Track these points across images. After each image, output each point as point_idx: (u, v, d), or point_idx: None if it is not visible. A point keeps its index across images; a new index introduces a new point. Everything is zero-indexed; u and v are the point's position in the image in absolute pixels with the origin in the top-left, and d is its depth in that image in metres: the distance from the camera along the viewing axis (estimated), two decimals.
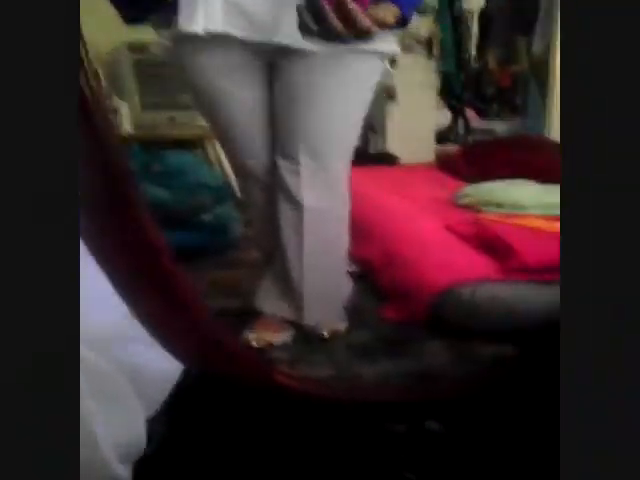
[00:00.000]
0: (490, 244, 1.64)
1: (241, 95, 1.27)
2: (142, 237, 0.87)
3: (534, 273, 1.50)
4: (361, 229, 1.90)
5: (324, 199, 1.33)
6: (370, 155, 3.57)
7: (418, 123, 3.64)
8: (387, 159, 3.57)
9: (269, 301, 1.47)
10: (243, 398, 1.01)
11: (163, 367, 0.94)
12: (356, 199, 1.44)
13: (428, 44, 3.33)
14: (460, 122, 4.04)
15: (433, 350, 1.45)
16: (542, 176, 2.30)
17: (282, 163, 1.31)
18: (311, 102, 1.24)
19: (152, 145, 2.80)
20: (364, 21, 0.85)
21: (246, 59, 1.22)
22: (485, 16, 3.65)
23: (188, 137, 2.93)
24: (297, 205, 1.33)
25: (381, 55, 1.22)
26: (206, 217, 2.02)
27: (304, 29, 0.88)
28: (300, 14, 0.87)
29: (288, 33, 1.09)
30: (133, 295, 0.84)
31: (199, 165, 2.18)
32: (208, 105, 1.30)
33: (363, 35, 0.88)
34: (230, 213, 2.15)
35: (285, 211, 1.35)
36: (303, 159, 1.28)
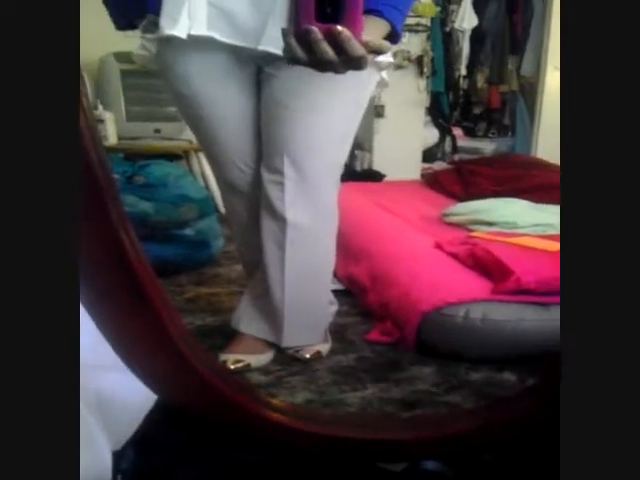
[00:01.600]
0: (483, 263, 1.53)
1: (227, 102, 1.18)
2: (117, 251, 0.75)
3: (530, 294, 1.39)
4: (348, 246, 1.79)
5: (309, 215, 1.23)
6: (357, 172, 3.48)
7: (406, 141, 3.56)
8: (374, 176, 3.49)
9: (248, 321, 1.35)
10: (217, 430, 0.89)
11: (134, 396, 0.83)
12: (343, 215, 1.33)
13: (419, 62, 3.25)
14: (447, 140, 3.97)
15: (421, 375, 1.33)
16: (531, 195, 2.22)
17: (267, 176, 1.21)
18: (297, 112, 1.14)
19: (136, 156, 2.71)
20: (359, 50, 0.74)
21: (232, 65, 1.14)
22: (476, 36, 3.59)
23: (173, 149, 2.82)
24: (281, 220, 1.22)
25: (375, 66, 1.14)
26: (188, 231, 1.90)
27: (291, 58, 0.77)
28: (286, 40, 0.75)
29: (274, 39, 1.01)
30: (104, 313, 0.73)
31: (183, 177, 2.06)
32: (193, 112, 1.20)
33: (358, 65, 0.77)
34: (213, 227, 2.03)
35: (269, 226, 1.25)
36: (288, 172, 1.18)
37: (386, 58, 1.15)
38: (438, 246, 1.73)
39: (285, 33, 0.76)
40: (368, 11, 0.84)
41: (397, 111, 3.42)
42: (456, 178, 2.66)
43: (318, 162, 1.19)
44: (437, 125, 3.85)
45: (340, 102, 1.15)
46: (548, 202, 2.06)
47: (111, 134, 2.70)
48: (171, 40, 1.07)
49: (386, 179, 3.60)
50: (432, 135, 3.84)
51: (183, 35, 1.05)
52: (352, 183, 2.74)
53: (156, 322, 0.68)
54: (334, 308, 1.46)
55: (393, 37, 0.91)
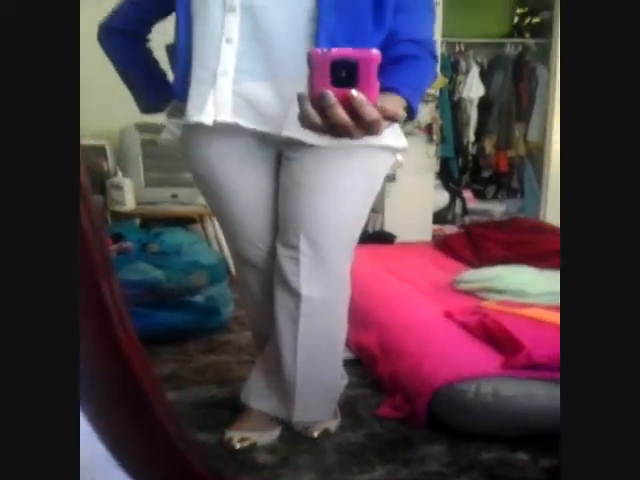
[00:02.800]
0: (494, 336, 1.48)
1: (247, 184, 1.20)
2: (113, 342, 0.73)
3: (541, 370, 1.33)
4: (357, 312, 1.75)
5: (323, 289, 1.22)
6: (369, 234, 3.47)
7: (416, 204, 3.57)
8: (385, 238, 3.48)
9: (258, 396, 1.31)
10: None
11: None
12: (353, 279, 1.31)
13: (428, 130, 3.29)
14: (457, 203, 3.97)
15: (432, 454, 1.27)
16: (540, 261, 2.17)
17: (282, 251, 1.21)
18: (316, 193, 1.15)
19: (153, 221, 2.74)
20: (373, 113, 0.73)
21: (253, 148, 1.17)
22: (483, 104, 3.64)
23: (188, 213, 2.85)
24: (295, 294, 1.21)
25: (390, 149, 1.16)
26: (198, 298, 1.89)
27: (306, 122, 0.76)
28: (302, 105, 0.75)
29: (296, 126, 1.00)
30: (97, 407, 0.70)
31: (196, 244, 2.07)
32: (213, 192, 1.22)
33: (372, 130, 0.76)
34: (223, 294, 2.01)
35: (282, 300, 1.24)
36: (304, 248, 1.18)
37: (401, 143, 1.17)
38: (448, 315, 1.69)
39: (301, 98, 0.75)
40: (385, 89, 0.83)
41: (408, 175, 3.44)
42: (466, 242, 2.63)
43: (334, 239, 1.20)
44: (447, 188, 3.86)
45: (356, 184, 1.17)
46: (556, 268, 2.02)
47: (129, 200, 2.74)
48: (196, 125, 1.10)
49: (397, 240, 3.59)
50: (442, 198, 3.85)
51: (209, 122, 1.08)
52: (363, 246, 2.71)
53: (157, 429, 0.65)
54: (344, 382, 1.41)
55: (409, 113, 0.91)
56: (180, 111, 1.14)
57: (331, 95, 0.72)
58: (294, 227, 1.18)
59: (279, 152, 1.18)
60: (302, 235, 1.17)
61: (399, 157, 1.22)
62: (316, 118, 0.74)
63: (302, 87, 1.05)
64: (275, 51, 1.05)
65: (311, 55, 0.72)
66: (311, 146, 1.09)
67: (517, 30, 3.75)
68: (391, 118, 0.78)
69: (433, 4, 1.10)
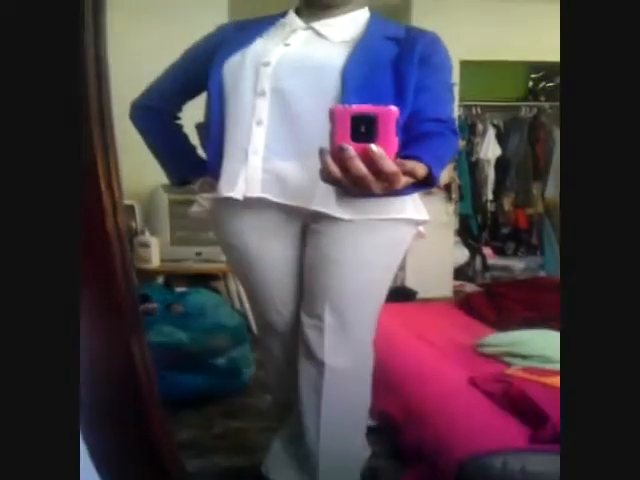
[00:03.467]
0: (520, 407, 1.44)
1: (273, 254, 1.22)
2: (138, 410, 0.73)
3: None
4: (380, 377, 1.71)
5: (347, 360, 1.21)
6: (390, 290, 3.44)
7: (437, 260, 3.56)
8: (406, 294, 3.46)
9: (279, 468, 1.27)
10: None
11: None
12: (375, 343, 1.29)
13: (447, 189, 3.32)
14: (477, 259, 3.95)
15: None
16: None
17: (306, 320, 1.21)
18: (341, 265, 1.16)
19: (176, 278, 2.76)
20: (392, 167, 0.74)
21: (280, 220, 1.19)
22: (501, 164, 3.67)
23: (212, 271, 2.87)
24: (319, 364, 1.20)
25: (412, 222, 1.18)
26: (220, 360, 1.87)
27: (326, 176, 0.77)
28: (322, 159, 0.76)
29: (323, 201, 1.08)
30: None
31: (219, 305, 2.08)
32: (240, 263, 1.25)
33: (392, 184, 0.76)
34: (245, 356, 2.00)
35: (306, 369, 1.22)
36: (328, 318, 1.18)
37: (423, 215, 1.18)
38: (473, 383, 1.65)
39: (322, 152, 0.76)
40: (407, 157, 0.84)
41: (428, 232, 3.41)
42: (487, 301, 2.59)
43: (358, 310, 1.20)
44: (467, 245, 3.85)
45: (380, 256, 1.18)
46: None
47: (154, 257, 2.77)
48: (227, 199, 1.13)
49: (418, 296, 3.56)
50: (463, 254, 3.83)
51: (240, 197, 1.12)
52: (385, 305, 2.69)
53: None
54: (367, 454, 1.37)
55: (429, 181, 0.90)
56: (211, 186, 1.18)
57: (351, 149, 0.73)
58: (319, 297, 1.19)
59: (305, 224, 1.20)
60: (327, 306, 1.17)
61: (421, 229, 1.23)
62: (336, 171, 0.75)
63: None
64: (302, 132, 1.09)
65: (333, 111, 0.74)
66: (336, 219, 1.11)
67: (532, 94, 3.82)
68: (410, 173, 0.79)
69: (451, 84, 1.13)
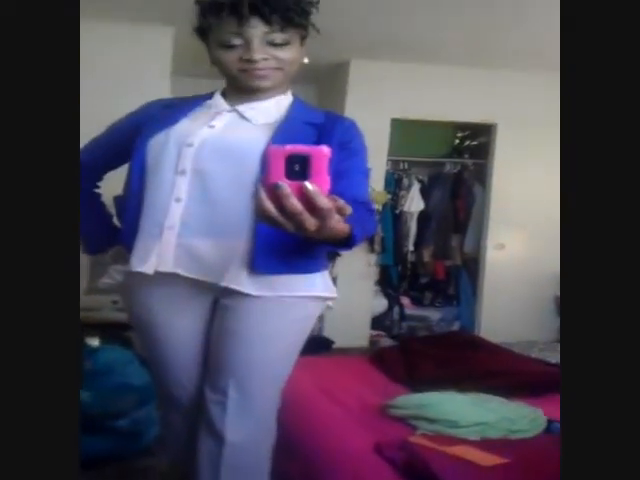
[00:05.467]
0: (421, 476, 1.41)
1: (182, 329, 1.23)
2: None
3: None
4: (283, 436, 1.65)
5: (249, 435, 1.19)
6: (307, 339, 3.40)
7: (356, 310, 3.56)
8: (323, 343, 3.43)
9: None
10: None
11: None
12: (283, 398, 1.26)
13: (370, 241, 3.36)
14: (395, 309, 3.99)
15: None
16: (473, 381, 2.16)
17: (210, 395, 1.19)
18: (247, 341, 1.16)
19: (91, 327, 2.61)
20: (326, 202, 0.76)
21: (191, 295, 1.20)
22: (423, 217, 3.77)
23: (127, 320, 2.74)
24: (219, 439, 1.17)
25: (321, 299, 1.20)
26: (122, 422, 1.76)
27: (261, 213, 0.78)
28: (257, 196, 0.78)
29: (234, 277, 1.11)
30: None
31: (129, 362, 1.97)
32: (148, 336, 1.25)
33: (325, 220, 0.77)
34: (150, 416, 1.89)
35: (206, 444, 1.19)
36: (232, 394, 1.17)
37: (331, 293, 1.22)
38: (377, 449, 1.61)
39: (257, 190, 0.78)
40: None
41: (348, 282, 3.46)
42: (400, 358, 2.58)
43: (262, 385, 1.19)
44: (386, 295, 3.90)
45: (287, 332, 1.18)
46: (487, 391, 2.02)
47: None
48: (137, 272, 1.14)
49: (335, 345, 3.54)
50: (381, 304, 3.87)
51: (150, 272, 1.13)
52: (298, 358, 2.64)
53: None
54: None
55: (348, 242, 0.93)
56: (124, 258, 1.17)
57: (285, 186, 0.75)
58: (224, 372, 1.18)
59: (215, 299, 1.19)
60: (231, 380, 1.17)
61: (330, 303, 1.24)
62: (271, 209, 0.77)
63: (243, 245, 1.08)
64: (219, 211, 1.12)
65: (268, 151, 0.77)
66: (246, 295, 1.12)
67: (456, 151, 3.98)
68: (341, 210, 0.80)
69: (367, 169, 1.19)
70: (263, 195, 0.77)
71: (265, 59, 1.10)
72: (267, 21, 1.08)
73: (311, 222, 0.78)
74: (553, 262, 3.04)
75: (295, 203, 0.75)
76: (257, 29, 1.08)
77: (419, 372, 2.36)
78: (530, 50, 3.21)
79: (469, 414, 1.84)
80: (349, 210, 0.82)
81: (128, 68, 2.96)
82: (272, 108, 1.17)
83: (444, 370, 2.40)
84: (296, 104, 1.21)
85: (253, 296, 1.12)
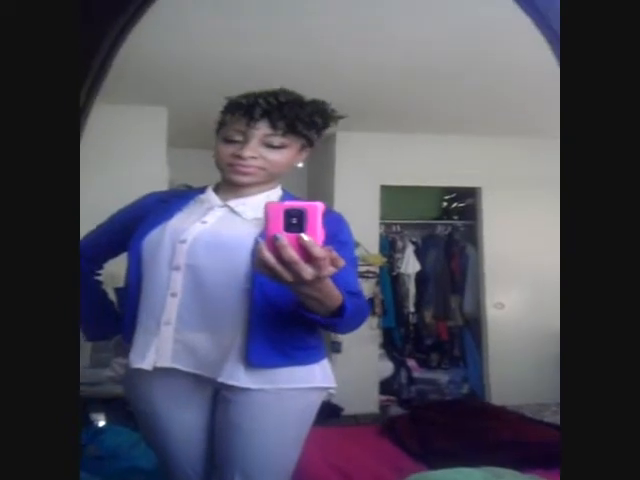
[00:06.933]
0: None
1: (184, 422, 1.22)
2: None
3: None
4: None
5: None
6: None
7: (362, 374, 3.52)
8: (331, 410, 3.36)
9: None
10: None
11: None
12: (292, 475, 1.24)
13: (370, 304, 3.37)
14: (402, 372, 3.94)
15: None
16: (486, 454, 2.12)
17: None
18: (249, 434, 1.16)
19: (92, 401, 2.56)
20: (321, 252, 0.81)
21: (191, 389, 1.20)
22: (421, 278, 3.79)
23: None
24: None
25: (321, 389, 1.20)
26: None
27: (261, 265, 0.83)
28: (257, 247, 0.83)
29: (231, 372, 1.11)
30: None
31: (136, 446, 1.93)
32: (151, 429, 1.25)
33: (320, 268, 0.82)
34: None
35: None
36: None
37: (330, 383, 1.22)
38: None
39: (258, 244, 0.83)
40: None
41: (353, 347, 3.43)
42: (411, 428, 2.54)
43: (268, 475, 1.18)
44: (391, 358, 3.85)
45: (290, 424, 1.18)
46: (503, 461, 1.98)
47: None
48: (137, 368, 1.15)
49: (344, 412, 3.46)
50: (387, 367, 3.82)
51: (149, 368, 1.14)
52: None
53: None
54: None
55: (340, 312, 0.97)
56: (125, 350, 1.18)
57: (283, 237, 0.81)
58: (230, 465, 1.18)
59: (215, 391, 1.20)
60: (237, 474, 1.16)
61: (331, 391, 1.24)
62: (270, 258, 0.81)
63: (238, 338, 1.10)
64: (213, 306, 1.13)
65: (267, 207, 0.83)
66: (245, 391, 1.12)
67: (446, 213, 4.05)
68: (334, 262, 0.84)
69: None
70: (263, 246, 0.82)
71: (254, 157, 1.14)
72: (273, 125, 1.13)
73: (308, 271, 0.82)
74: (554, 319, 3.04)
75: (292, 253, 0.81)
76: (260, 130, 1.13)
77: (432, 445, 2.32)
78: (512, 117, 3.33)
79: None
80: (342, 262, 0.86)
81: (127, 145, 3.08)
82: (262, 203, 1.18)
83: (457, 442, 2.35)
84: (285, 199, 1.24)
85: (252, 389, 1.13)
